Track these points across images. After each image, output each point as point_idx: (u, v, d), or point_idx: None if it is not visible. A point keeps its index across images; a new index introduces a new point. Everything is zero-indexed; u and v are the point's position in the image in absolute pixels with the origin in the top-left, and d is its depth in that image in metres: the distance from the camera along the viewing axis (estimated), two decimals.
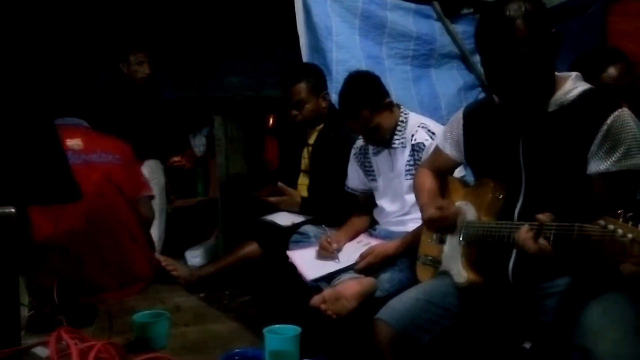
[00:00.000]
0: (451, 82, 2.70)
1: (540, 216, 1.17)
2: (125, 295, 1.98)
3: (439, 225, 1.57)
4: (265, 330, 1.33)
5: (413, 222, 1.99)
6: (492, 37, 1.29)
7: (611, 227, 0.98)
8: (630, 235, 0.94)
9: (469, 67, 2.71)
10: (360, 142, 2.21)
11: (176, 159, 4.24)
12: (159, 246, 3.39)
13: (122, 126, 3.18)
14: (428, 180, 1.71)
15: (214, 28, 3.84)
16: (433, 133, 1.99)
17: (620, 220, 0.98)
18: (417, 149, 2.01)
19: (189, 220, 4.41)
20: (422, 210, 1.62)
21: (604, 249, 0.99)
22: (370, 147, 2.15)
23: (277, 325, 1.36)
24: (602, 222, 1.00)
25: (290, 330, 1.34)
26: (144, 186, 2.47)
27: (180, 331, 1.57)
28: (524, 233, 1.21)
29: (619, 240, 0.95)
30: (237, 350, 1.18)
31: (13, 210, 0.89)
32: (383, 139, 2.07)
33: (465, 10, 2.75)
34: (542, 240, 1.16)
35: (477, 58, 2.69)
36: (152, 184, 3.27)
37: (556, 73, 1.39)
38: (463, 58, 2.73)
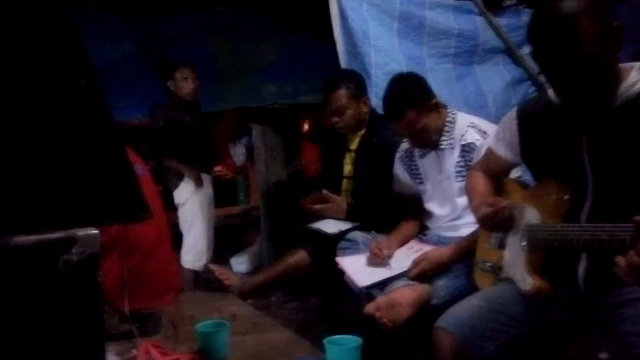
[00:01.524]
0: (498, 78, 2.64)
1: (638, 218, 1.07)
2: (164, 304, 1.99)
3: (494, 222, 1.50)
4: (325, 340, 1.32)
5: (466, 227, 1.93)
6: (551, 37, 1.21)
7: None
8: None
9: (516, 60, 2.64)
10: (405, 145, 2.17)
11: (218, 169, 4.31)
12: (209, 255, 3.45)
13: (170, 141, 3.28)
14: (481, 182, 1.65)
15: (248, 38, 3.89)
16: (484, 132, 1.93)
17: None
18: (467, 149, 1.95)
19: (232, 229, 4.47)
20: (474, 211, 1.57)
21: None
22: (416, 150, 2.11)
23: (338, 336, 1.34)
24: None
25: (351, 341, 1.31)
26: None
27: (239, 340, 1.57)
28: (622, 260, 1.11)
29: None
30: None
31: (96, 232, 0.91)
32: (429, 142, 2.02)
33: (508, 2, 2.69)
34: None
35: (524, 51, 2.62)
36: (199, 194, 3.38)
37: (620, 65, 1.32)
38: (509, 52, 2.66)
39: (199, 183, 3.34)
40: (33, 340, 0.87)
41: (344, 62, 2.52)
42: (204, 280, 3.44)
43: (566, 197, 1.35)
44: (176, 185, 3.34)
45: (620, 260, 1.12)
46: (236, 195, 4.80)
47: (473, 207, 1.62)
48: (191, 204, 3.34)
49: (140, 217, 1.07)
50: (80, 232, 0.92)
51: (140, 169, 2.29)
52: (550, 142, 1.41)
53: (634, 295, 1.27)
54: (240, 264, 4.22)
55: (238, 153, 4.56)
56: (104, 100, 0.93)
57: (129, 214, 1.03)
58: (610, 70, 1.26)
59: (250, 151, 4.45)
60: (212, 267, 2.42)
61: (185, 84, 3.32)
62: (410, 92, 1.95)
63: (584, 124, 1.33)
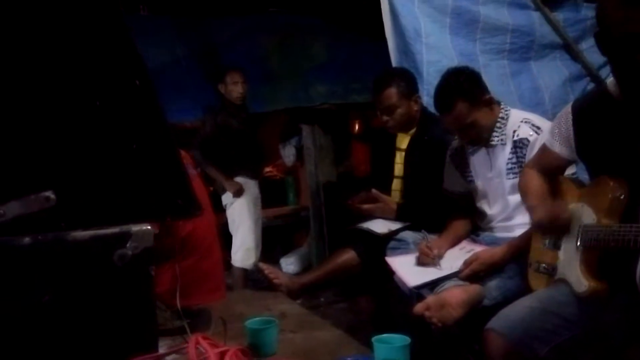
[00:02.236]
0: (555, 74, 2.55)
1: None
2: (214, 299, 2.04)
3: (550, 228, 1.47)
4: (374, 339, 1.31)
5: (519, 227, 1.88)
6: (620, 13, 1.16)
7: None
8: None
9: (574, 56, 2.54)
10: (456, 143, 2.14)
11: (268, 169, 4.38)
12: (257, 254, 3.53)
13: (217, 146, 3.39)
14: (535, 181, 1.60)
15: (298, 39, 3.93)
16: (538, 128, 1.87)
17: None
18: (520, 145, 1.90)
19: (281, 229, 4.53)
20: (530, 212, 1.53)
21: None
22: (467, 147, 2.07)
23: (386, 335, 1.34)
24: None
25: (400, 339, 1.30)
26: None
27: (288, 338, 1.59)
28: None
29: None
30: (349, 358, 1.17)
31: (150, 227, 0.95)
32: (479, 138, 1.98)
33: None
34: None
35: (582, 46, 2.53)
36: (245, 196, 3.48)
37: None
38: (567, 47, 2.57)
39: (237, 194, 3.43)
40: (89, 330, 0.93)
41: (395, 60, 2.50)
42: (253, 280, 3.53)
43: (623, 195, 1.30)
44: (223, 190, 3.47)
45: None
46: (286, 195, 4.87)
47: (528, 207, 1.58)
48: (238, 204, 3.46)
49: (191, 214, 1.11)
50: (135, 227, 0.97)
51: (192, 170, 2.36)
52: (607, 138, 1.36)
53: None
54: (289, 264, 4.27)
55: (288, 153, 4.62)
56: (158, 101, 0.98)
57: (181, 210, 1.08)
58: None
59: (299, 151, 4.50)
60: (262, 265, 2.46)
61: (234, 87, 3.41)
62: (463, 84, 1.91)
63: None
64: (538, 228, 1.51)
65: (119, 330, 0.95)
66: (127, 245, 0.96)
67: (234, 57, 3.89)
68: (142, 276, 0.99)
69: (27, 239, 0.89)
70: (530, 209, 1.55)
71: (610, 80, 1.39)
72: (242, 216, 3.47)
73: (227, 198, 3.47)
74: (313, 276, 2.42)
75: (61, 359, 0.88)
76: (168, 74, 3.63)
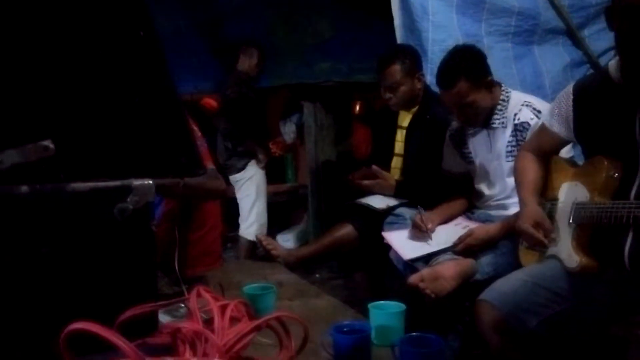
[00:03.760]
0: (556, 59, 2.55)
1: None
2: (212, 267, 2.08)
3: (531, 242, 1.52)
4: (370, 305, 1.35)
5: (515, 206, 1.91)
6: None
7: None
8: None
9: (577, 42, 2.54)
10: (455, 124, 2.15)
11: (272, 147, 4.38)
12: (264, 229, 3.68)
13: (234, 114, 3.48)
14: (531, 168, 1.63)
15: (304, 14, 3.89)
16: (539, 111, 1.89)
17: None
18: (520, 128, 1.92)
19: (279, 206, 4.56)
20: (521, 206, 1.56)
21: None
22: (467, 128, 2.09)
23: (382, 302, 1.37)
24: None
25: (395, 306, 1.34)
26: (206, 157, 2.48)
27: (285, 305, 1.62)
28: None
29: None
30: (345, 322, 1.20)
31: (151, 182, 0.96)
32: (476, 120, 2.00)
33: None
34: None
35: (585, 33, 2.53)
36: (253, 169, 3.60)
37: None
38: (570, 33, 2.56)
39: (264, 166, 3.64)
40: (88, 283, 0.92)
41: (400, 37, 2.49)
42: (257, 254, 3.60)
43: (616, 174, 1.34)
44: (244, 163, 3.59)
45: None
46: (284, 172, 4.89)
47: (519, 197, 1.62)
48: (257, 179, 3.62)
49: (195, 173, 1.12)
50: (136, 182, 0.96)
51: (199, 142, 2.37)
52: (604, 119, 1.39)
53: None
54: (286, 240, 4.32)
55: (288, 131, 4.63)
56: (164, 54, 0.97)
57: (185, 168, 1.09)
58: None
59: (300, 129, 4.51)
60: (260, 237, 2.49)
61: (250, 60, 3.54)
62: (467, 63, 1.92)
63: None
64: (520, 234, 1.56)
65: (118, 284, 0.94)
66: (128, 199, 0.95)
67: (237, 30, 3.86)
68: (143, 231, 0.98)
69: (24, 188, 0.87)
70: (521, 202, 1.59)
71: (611, 63, 1.41)
72: (259, 191, 3.64)
73: (247, 172, 3.60)
74: (311, 249, 2.46)
75: (60, 311, 0.85)
76: (169, 45, 3.61)
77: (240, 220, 3.68)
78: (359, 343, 1.13)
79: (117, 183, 0.96)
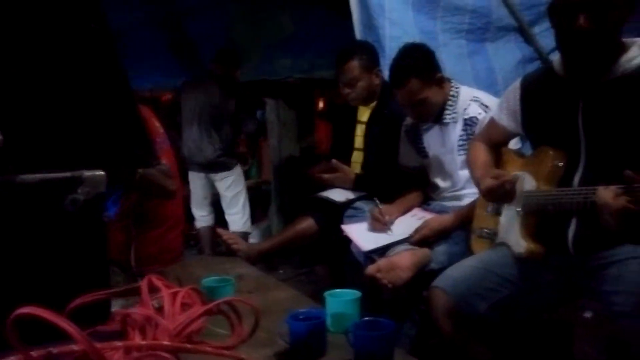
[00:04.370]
0: (509, 56, 2.63)
1: (630, 173, 1.12)
2: (165, 266, 2.06)
3: (498, 194, 1.54)
4: (326, 293, 1.37)
5: (468, 197, 1.98)
6: None
7: None
8: None
9: (528, 39, 2.63)
10: (410, 119, 2.21)
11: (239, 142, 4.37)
12: (249, 225, 3.90)
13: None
14: (482, 153, 1.69)
15: (264, 10, 3.88)
16: (486, 106, 1.96)
17: None
18: (469, 123, 1.99)
19: None
20: (478, 183, 1.61)
21: None
22: (421, 124, 2.14)
23: (337, 290, 1.40)
24: None
25: (351, 294, 1.37)
26: (165, 154, 2.41)
27: (244, 297, 1.64)
28: (608, 192, 1.17)
29: None
30: (301, 311, 1.23)
31: (103, 173, 0.96)
32: (428, 116, 2.05)
33: None
34: (624, 198, 1.13)
35: (536, 30, 2.61)
36: (239, 167, 3.84)
37: (623, 39, 1.35)
38: (521, 30, 2.65)
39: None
40: (39, 274, 0.91)
41: (359, 34, 2.52)
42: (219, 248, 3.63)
43: (561, 163, 1.40)
44: (235, 163, 3.82)
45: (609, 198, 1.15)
46: (248, 169, 4.87)
47: (475, 178, 1.66)
48: (239, 175, 3.86)
49: (149, 164, 1.13)
50: (87, 172, 0.95)
51: (160, 139, 2.33)
52: (549, 111, 1.46)
53: (616, 257, 1.32)
54: (251, 237, 4.31)
55: (251, 127, 4.62)
56: (115, 46, 0.97)
57: (139, 159, 1.09)
58: (613, 41, 1.29)
59: (262, 126, 4.51)
60: (220, 231, 2.48)
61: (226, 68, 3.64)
62: (417, 62, 1.97)
63: (582, 94, 1.36)
64: (486, 195, 1.59)
65: (70, 274, 0.94)
66: (79, 190, 0.95)
67: (197, 26, 3.84)
68: (95, 221, 0.98)
69: None
70: (477, 180, 1.63)
71: (556, 59, 1.48)
72: (244, 186, 3.89)
73: (235, 171, 3.80)
74: (271, 243, 2.47)
75: (11, 302, 0.87)
76: (125, 40, 3.54)
77: (231, 215, 3.84)
78: (314, 330, 1.15)
79: (67, 174, 0.95)
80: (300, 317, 1.19)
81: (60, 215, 0.94)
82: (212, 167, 3.72)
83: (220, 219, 3.90)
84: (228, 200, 3.82)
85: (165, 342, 0.68)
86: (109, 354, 0.67)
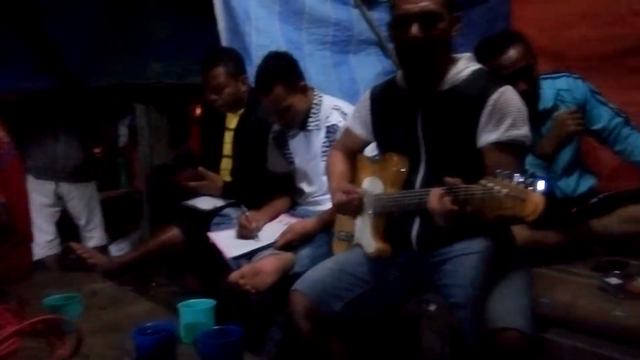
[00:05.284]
0: (369, 68, 2.78)
1: (449, 179, 1.22)
2: (11, 285, 1.90)
3: (348, 208, 1.63)
4: (179, 304, 1.35)
5: (329, 200, 2.05)
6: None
7: (490, 184, 1.08)
8: (504, 191, 1.05)
9: (386, 53, 2.81)
10: (277, 126, 2.25)
11: (97, 150, 4.11)
12: (105, 238, 3.68)
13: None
14: (338, 163, 1.77)
15: (135, 12, 3.72)
16: (346, 114, 2.05)
17: (499, 178, 1.08)
18: (331, 130, 2.07)
19: (112, 213, 4.29)
20: (331, 195, 1.69)
21: (485, 205, 1.09)
22: (287, 130, 2.19)
23: (192, 300, 1.38)
24: (483, 181, 1.10)
25: (204, 303, 1.36)
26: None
27: (95, 314, 1.54)
28: (433, 195, 1.27)
29: (496, 196, 1.06)
30: (149, 324, 1.19)
31: None
32: (293, 123, 2.11)
33: None
34: (447, 200, 1.23)
35: (392, 45, 2.80)
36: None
37: (453, 55, 1.49)
38: (380, 44, 2.82)
39: None
40: None
41: (225, 41, 2.51)
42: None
43: (404, 168, 1.51)
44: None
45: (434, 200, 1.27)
46: (118, 178, 4.62)
47: (330, 188, 1.74)
48: (92, 186, 3.64)
49: None
50: None
51: (5, 152, 2.12)
52: (393, 120, 1.57)
53: (452, 253, 1.45)
54: (120, 250, 4.06)
55: (120, 134, 4.40)
56: None
57: None
58: (442, 50, 1.42)
59: (132, 132, 4.31)
60: (75, 245, 2.29)
61: None
62: (282, 69, 2.02)
63: (419, 104, 1.49)
64: (338, 209, 1.69)
65: None
66: None
67: (58, 26, 3.56)
68: None
69: None
70: (331, 191, 1.71)
71: (399, 72, 1.60)
72: (97, 197, 3.66)
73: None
74: (134, 254, 2.36)
75: None
76: None
77: (88, 231, 3.59)
78: (161, 343, 1.12)
79: None
80: (149, 330, 1.16)
81: None
82: (68, 176, 3.43)
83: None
84: (85, 212, 3.55)
85: None
86: None
